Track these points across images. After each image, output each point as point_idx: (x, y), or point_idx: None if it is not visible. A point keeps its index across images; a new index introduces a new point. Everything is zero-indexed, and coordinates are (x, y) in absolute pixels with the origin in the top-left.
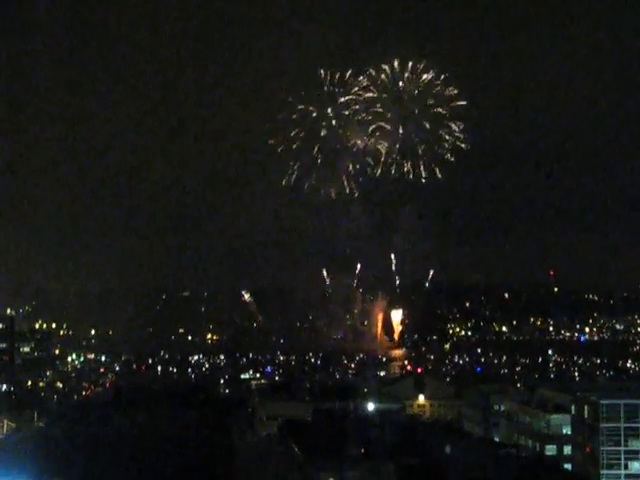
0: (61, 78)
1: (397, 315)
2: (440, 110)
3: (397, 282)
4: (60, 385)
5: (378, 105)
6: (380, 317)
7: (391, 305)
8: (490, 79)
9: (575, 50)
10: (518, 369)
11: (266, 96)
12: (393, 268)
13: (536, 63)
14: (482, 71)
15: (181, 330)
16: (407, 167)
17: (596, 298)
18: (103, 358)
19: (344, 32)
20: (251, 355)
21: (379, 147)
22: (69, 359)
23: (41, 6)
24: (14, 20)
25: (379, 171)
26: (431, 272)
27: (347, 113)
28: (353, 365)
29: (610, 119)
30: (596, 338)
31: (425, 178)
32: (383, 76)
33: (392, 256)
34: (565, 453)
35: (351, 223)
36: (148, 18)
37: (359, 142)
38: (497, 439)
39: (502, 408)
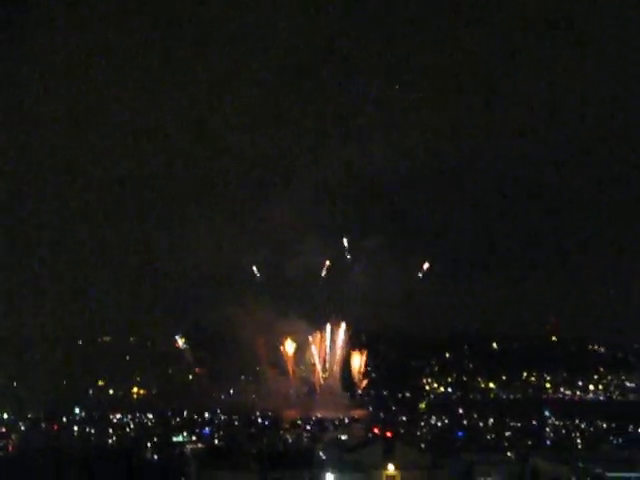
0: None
1: (360, 366)
2: None
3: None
4: None
5: None
6: (338, 368)
7: (353, 354)
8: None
9: None
10: (508, 434)
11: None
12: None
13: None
14: None
15: (101, 382)
16: None
17: (602, 350)
18: (5, 415)
19: None
20: (186, 413)
21: None
22: None
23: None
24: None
25: None
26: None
27: None
28: (309, 427)
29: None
30: (602, 398)
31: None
32: None
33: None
34: None
35: (305, 255)
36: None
37: None
38: None
39: None
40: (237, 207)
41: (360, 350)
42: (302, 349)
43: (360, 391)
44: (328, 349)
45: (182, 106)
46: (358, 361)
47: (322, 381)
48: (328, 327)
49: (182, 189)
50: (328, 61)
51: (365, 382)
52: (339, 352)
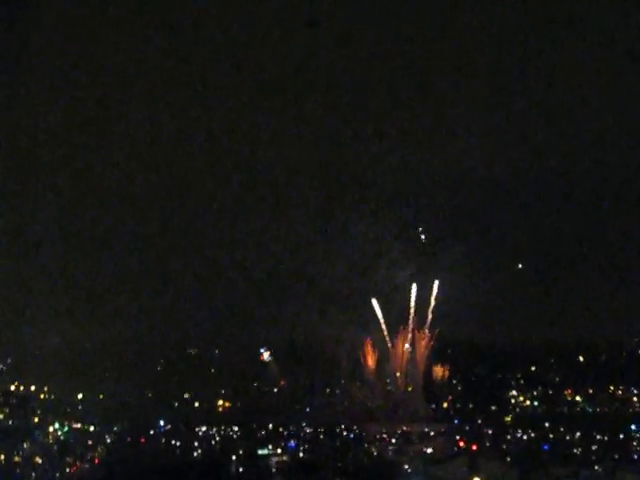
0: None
1: (444, 378)
2: None
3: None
4: (39, 460)
5: None
6: (421, 381)
7: (436, 366)
8: None
9: None
10: (595, 448)
11: None
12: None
13: None
14: None
15: (186, 395)
16: None
17: None
18: (92, 428)
19: None
20: (271, 426)
21: None
22: (51, 429)
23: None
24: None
25: None
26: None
27: None
28: (394, 440)
29: None
30: None
31: None
32: None
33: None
34: None
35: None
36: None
37: None
38: None
39: None
40: (318, 217)
41: (443, 362)
42: (383, 361)
43: (445, 404)
44: (411, 361)
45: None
46: (442, 373)
47: (405, 394)
48: (409, 337)
49: (258, 197)
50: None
51: (449, 395)
52: (422, 364)
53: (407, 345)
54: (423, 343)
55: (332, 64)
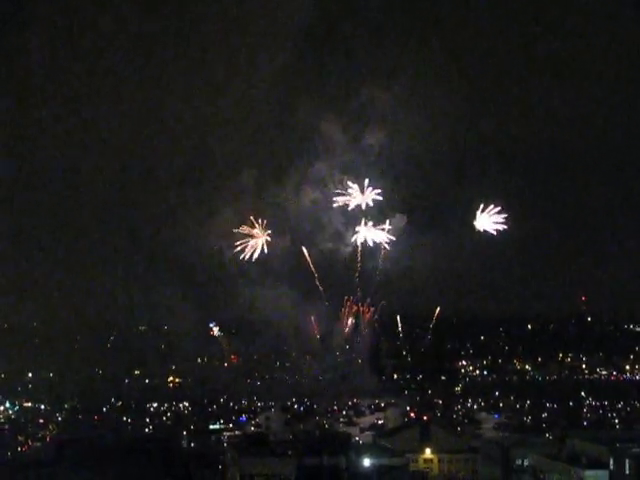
0: None
1: (390, 349)
2: None
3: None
4: None
5: None
6: (369, 352)
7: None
8: None
9: None
10: (544, 415)
11: None
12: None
13: None
14: None
15: (137, 372)
16: None
17: (638, 329)
18: (42, 407)
19: None
20: (222, 401)
21: None
22: (1, 408)
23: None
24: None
25: None
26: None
27: None
28: (344, 412)
29: None
30: (638, 377)
31: None
32: None
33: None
34: None
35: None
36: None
37: None
38: None
39: (526, 463)
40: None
41: (391, 334)
42: (331, 335)
43: (395, 375)
44: (357, 333)
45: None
46: (390, 345)
47: (353, 366)
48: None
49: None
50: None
51: (395, 366)
52: (368, 336)
53: (351, 319)
54: (368, 315)
55: None
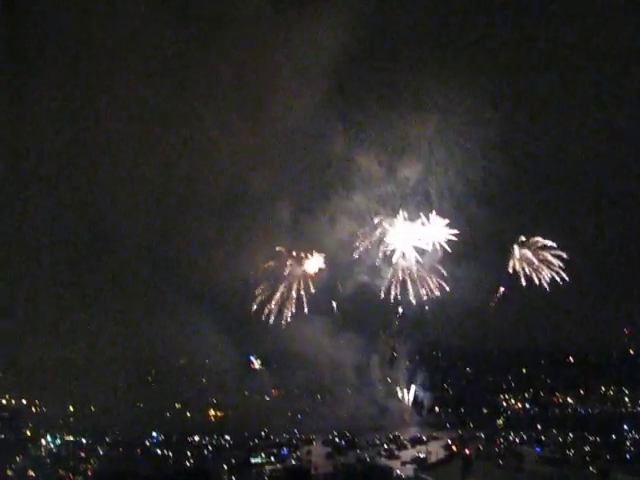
0: None
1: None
2: None
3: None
4: (32, 474)
5: None
6: (408, 385)
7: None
8: None
9: None
10: (587, 449)
11: None
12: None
13: None
14: None
15: (178, 405)
16: None
17: None
18: (84, 440)
19: None
20: (263, 434)
21: None
22: (43, 442)
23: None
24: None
25: None
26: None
27: None
28: (386, 445)
29: None
30: None
31: None
32: None
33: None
34: None
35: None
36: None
37: None
38: None
39: None
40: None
41: (433, 367)
42: (369, 366)
43: (437, 408)
44: (397, 365)
45: None
46: (432, 378)
47: (394, 400)
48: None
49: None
50: None
51: (436, 399)
52: (408, 368)
53: (390, 351)
54: (407, 348)
55: None
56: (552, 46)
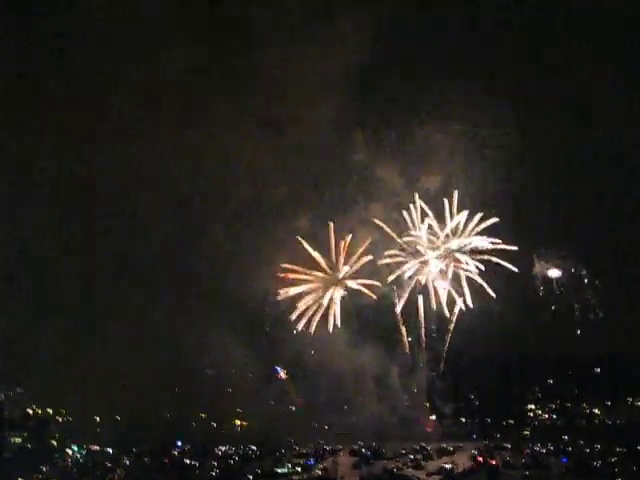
0: None
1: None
2: None
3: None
4: None
5: None
6: (436, 397)
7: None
8: None
9: None
10: (614, 460)
11: None
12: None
13: None
14: None
15: (203, 415)
16: None
17: None
18: (110, 450)
19: None
20: (289, 444)
21: None
22: (69, 451)
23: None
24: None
25: None
26: None
27: None
28: (412, 455)
29: None
30: None
31: None
32: None
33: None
34: None
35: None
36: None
37: None
38: None
39: None
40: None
41: (458, 377)
42: (395, 377)
43: (463, 419)
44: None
45: None
46: (457, 388)
47: (420, 410)
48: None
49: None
50: None
51: (462, 409)
52: (434, 378)
53: (417, 361)
54: (432, 358)
55: None
56: (578, 55)
